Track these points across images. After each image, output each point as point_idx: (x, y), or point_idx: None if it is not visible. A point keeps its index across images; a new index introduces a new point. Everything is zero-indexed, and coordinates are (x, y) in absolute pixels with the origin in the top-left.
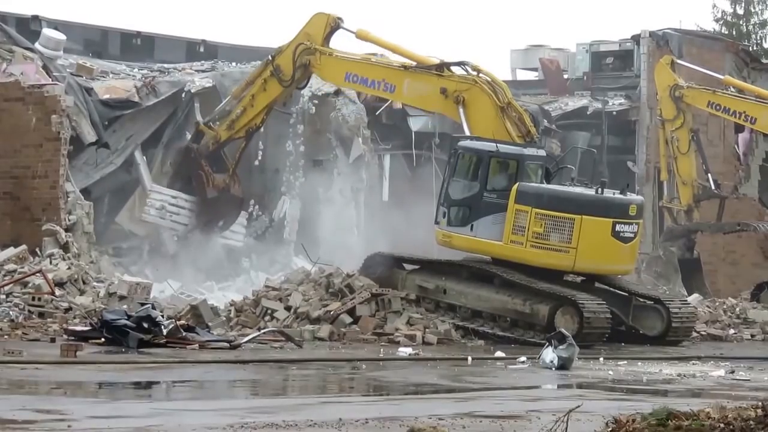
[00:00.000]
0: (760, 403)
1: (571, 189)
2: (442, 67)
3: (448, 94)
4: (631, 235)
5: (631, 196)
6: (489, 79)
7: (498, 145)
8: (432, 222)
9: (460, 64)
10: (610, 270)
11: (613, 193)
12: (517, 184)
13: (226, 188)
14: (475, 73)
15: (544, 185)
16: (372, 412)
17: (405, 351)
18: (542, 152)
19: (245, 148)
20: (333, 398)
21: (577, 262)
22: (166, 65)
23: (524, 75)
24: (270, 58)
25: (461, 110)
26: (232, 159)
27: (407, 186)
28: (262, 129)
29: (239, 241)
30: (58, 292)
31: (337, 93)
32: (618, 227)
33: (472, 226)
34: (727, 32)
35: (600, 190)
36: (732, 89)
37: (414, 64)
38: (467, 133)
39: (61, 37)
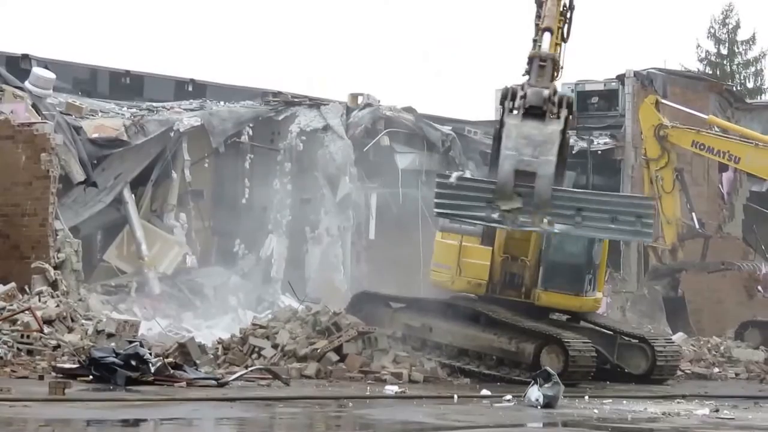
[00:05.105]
0: None
1: None
2: None
3: None
4: None
5: None
6: None
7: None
8: (417, 260)
9: None
10: None
11: None
12: None
13: None
14: None
15: None
16: None
17: (391, 389)
18: None
19: None
20: None
21: None
22: (154, 104)
23: None
24: None
25: None
26: None
27: (394, 224)
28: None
29: None
30: (46, 329)
31: (326, 129)
32: None
33: None
34: (711, 72)
35: None
36: (716, 129)
37: None
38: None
39: (51, 76)
